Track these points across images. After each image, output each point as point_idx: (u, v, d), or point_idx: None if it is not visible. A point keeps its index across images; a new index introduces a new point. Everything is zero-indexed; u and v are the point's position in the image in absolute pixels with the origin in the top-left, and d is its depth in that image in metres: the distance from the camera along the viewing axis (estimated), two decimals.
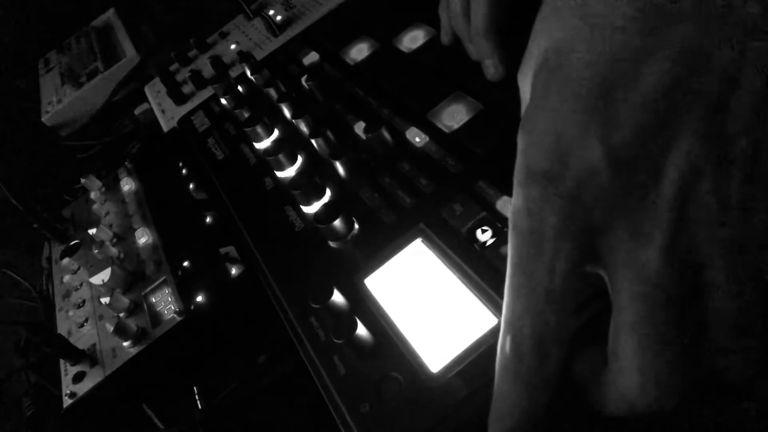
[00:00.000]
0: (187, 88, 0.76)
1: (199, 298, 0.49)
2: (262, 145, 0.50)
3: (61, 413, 0.49)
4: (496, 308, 0.30)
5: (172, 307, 0.49)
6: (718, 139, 0.18)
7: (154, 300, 0.51)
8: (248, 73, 0.59)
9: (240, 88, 0.57)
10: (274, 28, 0.74)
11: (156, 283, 0.52)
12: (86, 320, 0.54)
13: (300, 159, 0.46)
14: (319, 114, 0.48)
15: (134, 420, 0.50)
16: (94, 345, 0.51)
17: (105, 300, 0.52)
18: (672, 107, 0.18)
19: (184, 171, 0.59)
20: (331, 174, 0.43)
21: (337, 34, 0.57)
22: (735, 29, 0.18)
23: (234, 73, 0.70)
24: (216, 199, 0.51)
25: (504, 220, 0.33)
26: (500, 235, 0.32)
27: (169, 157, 0.65)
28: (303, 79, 0.53)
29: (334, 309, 0.34)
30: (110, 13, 1.18)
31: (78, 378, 0.49)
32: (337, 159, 0.42)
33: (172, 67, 0.82)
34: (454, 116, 0.41)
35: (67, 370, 0.51)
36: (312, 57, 0.57)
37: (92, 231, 0.61)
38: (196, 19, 0.99)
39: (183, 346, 0.49)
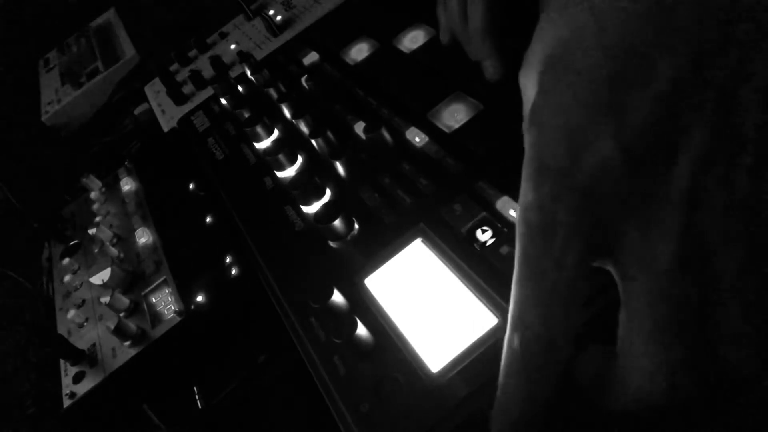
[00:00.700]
0: (187, 88, 0.76)
1: (199, 298, 0.49)
2: (262, 145, 0.50)
3: (61, 413, 0.49)
4: (496, 308, 0.30)
5: (172, 307, 0.49)
6: (730, 132, 0.18)
7: (154, 300, 0.51)
8: (248, 73, 0.59)
9: (240, 88, 0.57)
10: (274, 28, 0.74)
11: (156, 283, 0.52)
12: (86, 320, 0.54)
13: (300, 159, 0.46)
14: (319, 114, 0.48)
15: (134, 420, 0.50)
16: (94, 345, 0.51)
17: (105, 300, 0.52)
18: (684, 101, 0.18)
19: (191, 186, 0.59)
20: (331, 174, 0.43)
21: (337, 34, 0.57)
22: (747, 24, 0.18)
23: (234, 73, 0.70)
24: (216, 199, 0.51)
25: (504, 220, 0.33)
26: (500, 235, 0.32)
27: (169, 157, 0.65)
28: (303, 79, 0.53)
29: (334, 309, 0.34)
30: (110, 13, 1.18)
31: (78, 378, 0.50)
32: (337, 159, 0.42)
33: (172, 67, 0.82)
34: (454, 116, 0.41)
35: (67, 370, 0.51)
36: (312, 57, 0.57)
37: (92, 231, 0.61)
38: (196, 19, 0.99)
39: (183, 346, 0.49)
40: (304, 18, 0.75)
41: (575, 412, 0.24)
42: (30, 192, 0.89)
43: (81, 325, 0.54)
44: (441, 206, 0.36)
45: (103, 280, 0.54)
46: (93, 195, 0.67)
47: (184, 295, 0.50)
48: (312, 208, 0.41)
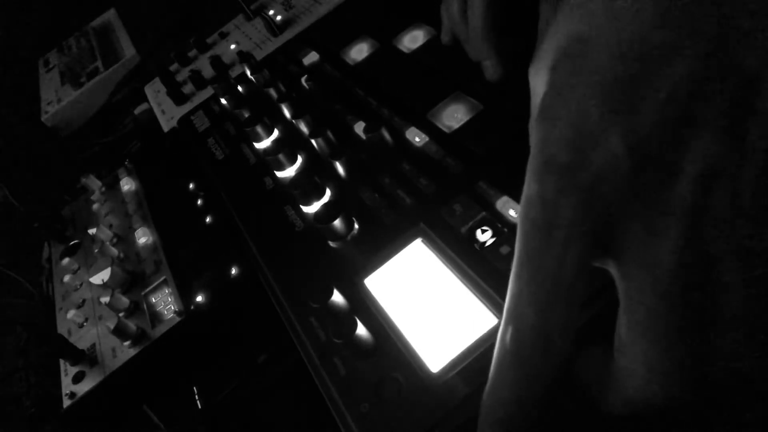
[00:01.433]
0: (187, 88, 0.76)
1: (199, 298, 0.49)
2: (262, 145, 0.50)
3: (61, 413, 0.49)
4: (496, 308, 0.30)
5: (172, 307, 0.49)
6: (740, 139, 0.18)
7: (154, 300, 0.51)
8: (248, 73, 0.59)
9: (240, 88, 0.57)
10: (274, 28, 0.74)
11: (156, 283, 0.52)
12: (86, 320, 0.54)
13: (300, 159, 0.46)
14: (319, 114, 0.48)
15: (134, 420, 0.50)
16: (94, 345, 0.51)
17: (105, 300, 0.52)
18: (696, 104, 0.18)
19: (191, 186, 0.59)
20: (331, 174, 0.43)
21: (337, 34, 0.57)
22: (764, 30, 0.18)
23: (234, 73, 0.70)
24: (216, 199, 0.51)
25: (504, 220, 0.33)
26: (500, 235, 0.32)
27: (169, 157, 0.65)
28: (303, 79, 0.53)
29: (334, 309, 0.34)
30: (110, 13, 1.18)
31: (78, 378, 0.50)
32: (337, 159, 0.42)
33: (172, 67, 0.82)
34: (454, 116, 0.41)
35: (67, 370, 0.51)
36: (312, 57, 0.57)
37: (92, 231, 0.61)
38: (196, 19, 0.99)
39: (183, 346, 0.49)
40: (304, 18, 0.75)
41: (574, 411, 0.24)
42: (30, 192, 0.89)
43: (81, 325, 0.54)
44: (441, 206, 0.36)
45: (103, 280, 0.54)
46: (93, 195, 0.67)
47: (184, 295, 0.49)
48: (312, 208, 0.41)
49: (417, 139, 0.41)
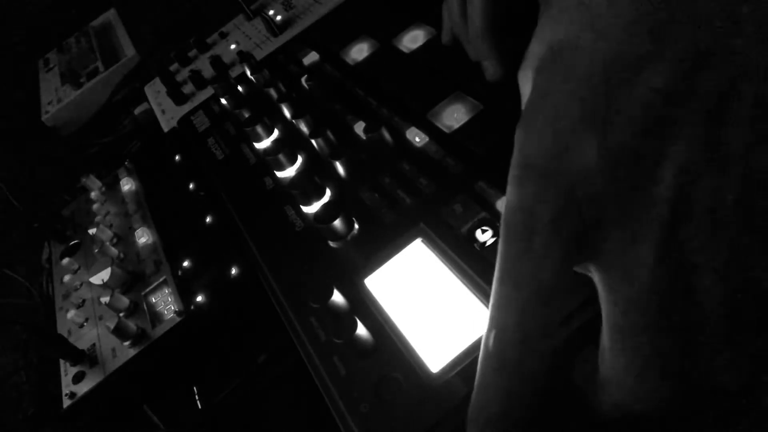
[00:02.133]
0: (187, 88, 0.76)
1: (199, 298, 0.49)
2: (262, 145, 0.50)
3: (61, 413, 0.49)
4: None
5: (172, 307, 0.49)
6: (716, 145, 0.18)
7: (154, 300, 0.51)
8: (248, 73, 0.59)
9: (240, 88, 0.57)
10: (274, 28, 0.74)
11: (156, 283, 0.52)
12: (86, 320, 0.54)
13: (300, 159, 0.46)
14: (319, 114, 0.48)
15: (134, 420, 0.50)
16: (94, 345, 0.51)
17: (105, 300, 0.52)
18: (671, 112, 0.18)
19: (191, 186, 0.59)
20: (331, 174, 0.43)
21: (337, 34, 0.57)
22: (738, 38, 0.18)
23: (234, 73, 0.70)
24: (216, 199, 0.51)
25: None
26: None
27: (169, 157, 0.65)
28: (303, 79, 0.53)
29: (334, 309, 0.34)
30: (110, 13, 1.18)
31: (78, 378, 0.49)
32: (337, 159, 0.42)
33: (172, 67, 0.82)
34: (454, 116, 0.41)
35: (67, 370, 0.51)
36: (312, 57, 0.57)
37: (92, 231, 0.61)
38: (196, 19, 0.99)
39: (183, 346, 0.49)
40: (304, 18, 0.75)
41: (568, 414, 0.24)
42: (30, 192, 0.89)
43: (81, 325, 0.54)
44: (441, 206, 0.36)
45: (103, 280, 0.54)
46: (93, 195, 0.67)
47: (184, 295, 0.49)
48: (312, 208, 0.41)
49: (417, 139, 0.41)
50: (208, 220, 0.54)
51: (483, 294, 0.31)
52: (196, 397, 0.47)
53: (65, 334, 0.54)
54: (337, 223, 0.37)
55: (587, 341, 0.24)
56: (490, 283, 0.31)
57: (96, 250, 0.57)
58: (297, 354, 0.35)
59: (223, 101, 0.58)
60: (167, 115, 0.74)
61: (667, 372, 0.20)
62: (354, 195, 0.40)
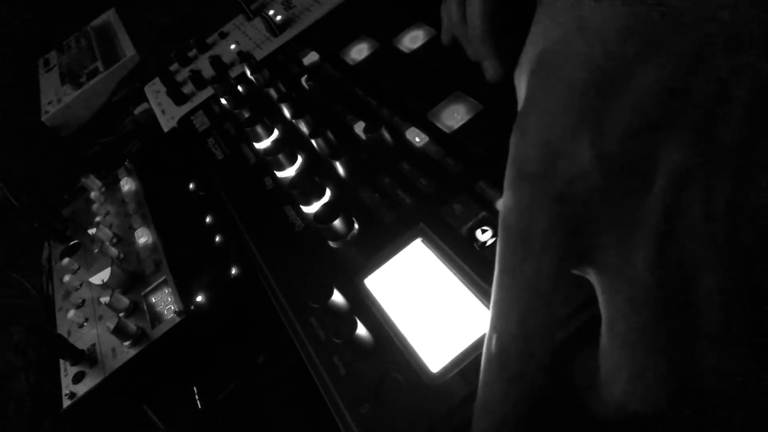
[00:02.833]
0: (187, 88, 0.76)
1: (199, 298, 0.49)
2: (262, 145, 0.50)
3: (61, 413, 0.49)
4: None
5: (172, 307, 0.49)
6: (709, 147, 0.18)
7: (153, 300, 0.51)
8: (248, 73, 0.59)
9: (240, 88, 0.57)
10: (274, 28, 0.74)
11: (156, 283, 0.52)
12: (86, 320, 0.54)
13: (300, 159, 0.46)
14: (319, 114, 0.48)
15: (134, 420, 0.50)
16: (94, 345, 0.51)
17: (105, 300, 0.52)
18: (664, 114, 0.18)
19: (191, 186, 0.59)
20: (331, 174, 0.43)
21: (337, 34, 0.57)
22: (730, 41, 0.18)
23: (234, 73, 0.70)
24: (216, 199, 0.51)
25: None
26: None
27: (169, 157, 0.65)
28: (303, 79, 0.53)
29: (334, 309, 0.34)
30: (110, 13, 1.18)
31: (78, 378, 0.49)
32: (337, 159, 0.42)
33: (172, 67, 0.82)
34: (454, 116, 0.41)
35: (67, 370, 0.51)
36: (312, 57, 0.57)
37: (92, 231, 0.61)
38: (196, 19, 0.99)
39: (183, 346, 0.49)
40: (304, 18, 0.75)
41: (568, 414, 0.24)
42: (30, 192, 0.89)
43: (81, 325, 0.54)
44: (441, 206, 0.36)
45: (103, 280, 0.54)
46: (93, 195, 0.67)
47: (184, 295, 0.49)
48: (312, 208, 0.41)
49: (417, 139, 0.41)
50: (208, 220, 0.54)
51: (483, 294, 0.31)
52: (196, 397, 0.47)
53: (65, 334, 0.54)
54: (337, 223, 0.37)
55: (585, 343, 0.24)
56: (490, 283, 0.31)
57: (96, 250, 0.57)
58: (297, 354, 0.35)
59: (223, 101, 0.58)
60: (167, 115, 0.74)
61: (665, 372, 0.20)
62: (354, 195, 0.40)
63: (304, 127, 0.48)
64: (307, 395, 0.40)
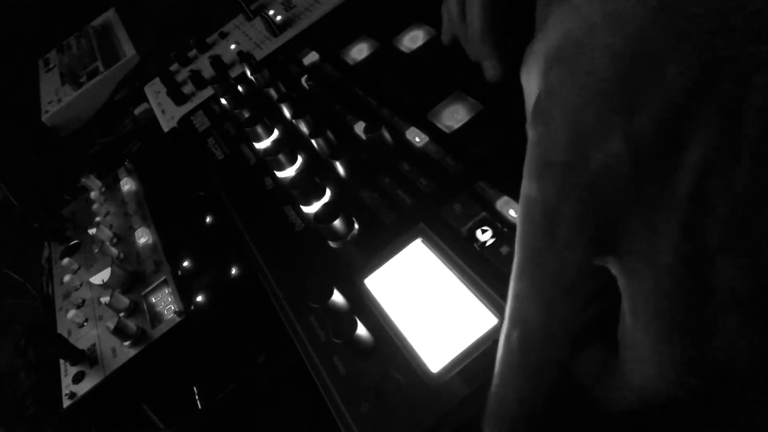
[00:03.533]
0: (187, 88, 0.76)
1: (199, 298, 0.49)
2: (262, 145, 0.50)
3: (61, 413, 0.49)
4: (496, 308, 0.30)
5: (172, 307, 0.49)
6: (734, 134, 0.18)
7: (153, 300, 0.51)
8: (248, 73, 0.59)
9: (240, 88, 0.57)
10: (274, 28, 0.74)
11: (156, 283, 0.52)
12: (86, 320, 0.54)
13: (300, 159, 0.46)
14: (319, 114, 0.48)
15: (134, 420, 0.50)
16: (94, 345, 0.51)
17: (105, 300, 0.52)
18: (693, 103, 0.19)
19: (191, 186, 0.58)
20: (331, 174, 0.43)
21: (337, 34, 0.57)
22: (760, 31, 0.18)
23: (234, 73, 0.70)
24: (216, 199, 0.51)
25: (504, 220, 0.33)
26: (500, 235, 0.32)
27: (169, 157, 0.65)
28: (303, 79, 0.53)
29: (334, 309, 0.34)
30: (110, 13, 1.18)
31: (78, 378, 0.49)
32: (337, 159, 0.42)
33: (172, 67, 0.82)
34: (454, 116, 0.41)
35: (67, 370, 0.51)
36: (312, 57, 0.57)
37: (92, 231, 0.61)
38: (196, 19, 0.99)
39: (183, 346, 0.49)
40: (304, 18, 0.75)
41: (575, 411, 0.24)
42: (30, 192, 0.89)
43: (81, 325, 0.54)
44: (441, 206, 0.36)
45: (103, 280, 0.54)
46: (93, 195, 0.67)
47: (184, 295, 0.49)
48: (312, 208, 0.41)
49: (417, 139, 0.41)
50: (208, 220, 0.54)
51: (483, 294, 0.31)
52: (196, 397, 0.47)
53: (65, 334, 0.54)
54: (337, 223, 0.37)
55: (587, 339, 0.24)
56: (490, 284, 0.31)
57: (96, 250, 0.57)
58: (297, 354, 0.35)
59: (223, 101, 0.58)
60: (167, 115, 0.74)
61: (691, 356, 0.20)
62: (354, 195, 0.40)
63: (304, 127, 0.48)
64: (307, 395, 0.40)
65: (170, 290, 0.51)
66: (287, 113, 0.51)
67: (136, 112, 0.81)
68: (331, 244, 0.38)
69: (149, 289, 0.52)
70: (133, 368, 0.48)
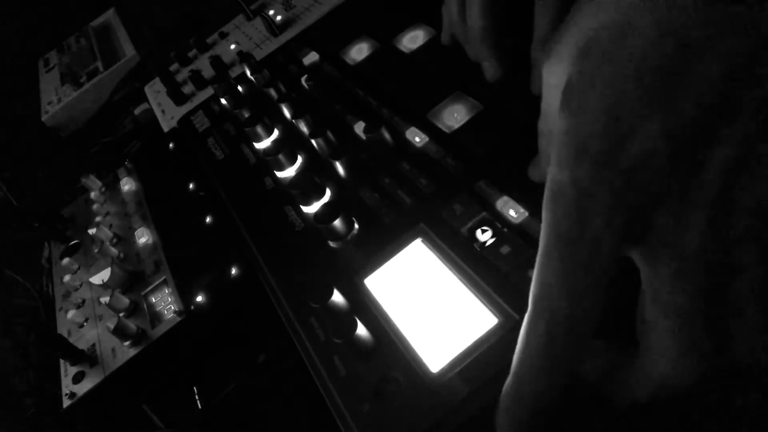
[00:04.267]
0: (187, 88, 0.76)
1: (199, 298, 0.49)
2: (262, 145, 0.50)
3: (61, 413, 0.49)
4: (496, 308, 0.30)
5: (172, 307, 0.49)
6: (761, 135, 0.18)
7: (153, 300, 0.51)
8: (248, 73, 0.59)
9: (240, 88, 0.57)
10: (274, 28, 0.74)
11: (156, 283, 0.52)
12: (86, 320, 0.54)
13: (300, 159, 0.46)
14: (319, 114, 0.48)
15: (134, 420, 0.50)
16: (94, 345, 0.51)
17: (105, 300, 0.52)
18: (731, 94, 0.19)
19: (191, 186, 0.59)
20: (331, 174, 0.43)
21: (337, 34, 0.57)
22: None
23: (234, 73, 0.70)
24: (216, 199, 0.51)
25: (504, 220, 0.33)
26: (500, 235, 0.32)
27: (169, 157, 0.65)
28: (303, 79, 0.53)
29: (334, 309, 0.34)
30: (110, 13, 1.18)
31: (78, 378, 0.50)
32: (337, 159, 0.42)
33: (172, 67, 0.82)
34: (454, 116, 0.41)
35: (67, 370, 0.51)
36: (312, 57, 0.57)
37: (92, 231, 0.61)
38: (196, 19, 0.99)
39: (183, 346, 0.49)
40: (304, 18, 0.75)
41: (586, 410, 0.24)
42: (30, 192, 0.89)
43: (81, 325, 0.54)
44: (441, 206, 0.36)
45: (103, 280, 0.54)
46: (93, 195, 0.67)
47: (184, 295, 0.49)
48: (312, 208, 0.41)
49: (417, 139, 0.41)
50: (208, 220, 0.54)
51: (483, 294, 0.31)
52: (196, 397, 0.47)
53: (65, 334, 0.54)
54: (337, 223, 0.37)
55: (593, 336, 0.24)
56: (490, 284, 0.31)
57: (96, 250, 0.57)
58: (297, 354, 0.35)
59: (223, 101, 0.58)
60: (167, 115, 0.74)
61: (712, 346, 0.20)
62: (354, 195, 0.40)
63: (304, 127, 0.48)
64: (307, 395, 0.40)
65: (170, 290, 0.51)
66: (287, 113, 0.51)
67: (136, 112, 0.81)
68: (331, 244, 0.38)
69: (149, 289, 0.52)
70: (133, 368, 0.48)
